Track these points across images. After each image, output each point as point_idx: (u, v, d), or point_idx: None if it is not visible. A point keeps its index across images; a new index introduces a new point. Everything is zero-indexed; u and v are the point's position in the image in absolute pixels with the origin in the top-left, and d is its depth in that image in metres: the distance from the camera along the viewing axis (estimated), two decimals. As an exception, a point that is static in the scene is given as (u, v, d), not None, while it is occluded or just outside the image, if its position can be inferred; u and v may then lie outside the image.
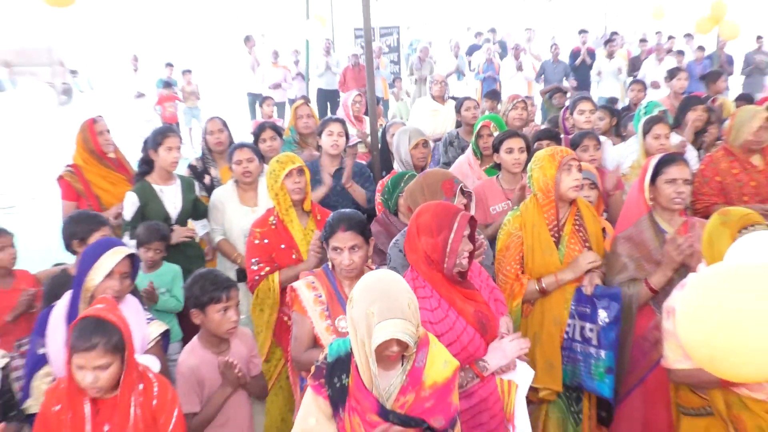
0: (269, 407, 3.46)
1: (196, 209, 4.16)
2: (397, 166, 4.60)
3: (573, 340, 3.06)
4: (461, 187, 2.97)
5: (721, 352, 1.59)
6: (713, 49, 11.39)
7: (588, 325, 3.02)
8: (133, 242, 3.70)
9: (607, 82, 11.13)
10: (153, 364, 2.47)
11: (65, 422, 2.15)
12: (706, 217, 2.80)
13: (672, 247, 2.83)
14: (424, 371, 2.06)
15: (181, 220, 4.04)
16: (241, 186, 4.05)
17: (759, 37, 12.01)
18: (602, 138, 4.72)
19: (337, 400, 2.06)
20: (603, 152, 4.46)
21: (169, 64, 12.20)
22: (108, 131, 4.35)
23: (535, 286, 3.06)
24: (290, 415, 3.38)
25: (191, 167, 4.71)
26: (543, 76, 11.45)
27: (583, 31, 12.35)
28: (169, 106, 11.13)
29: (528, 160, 3.43)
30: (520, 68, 11.49)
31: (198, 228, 4.25)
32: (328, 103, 12.10)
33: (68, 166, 4.30)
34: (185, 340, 3.44)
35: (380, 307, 1.92)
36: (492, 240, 3.35)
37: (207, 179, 4.61)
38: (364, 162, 4.87)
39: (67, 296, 2.61)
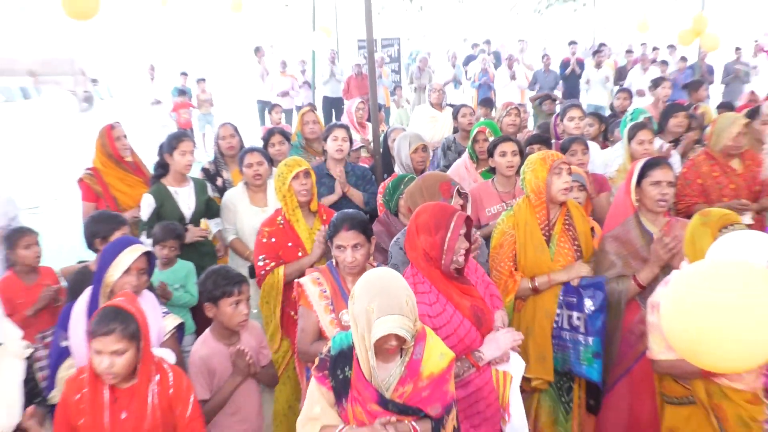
0: (277, 396, 3.46)
1: (209, 209, 4.16)
2: (397, 169, 4.60)
3: (562, 329, 3.07)
4: (458, 189, 2.98)
5: (702, 344, 1.59)
6: (695, 60, 11.38)
7: (575, 314, 3.02)
8: (150, 241, 3.70)
9: (595, 91, 11.14)
10: (168, 355, 2.47)
11: (85, 410, 2.15)
12: (688, 217, 2.80)
13: (660, 246, 2.83)
14: (422, 363, 2.06)
15: (195, 220, 4.04)
16: (251, 188, 4.05)
17: (737, 48, 12.01)
18: (590, 143, 4.72)
19: (341, 390, 2.06)
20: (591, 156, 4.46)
21: (184, 74, 12.20)
22: (125, 136, 4.35)
23: (528, 284, 3.06)
24: (297, 403, 3.38)
25: (204, 170, 4.71)
26: (536, 84, 11.45)
27: (572, 43, 12.36)
28: (184, 112, 11.14)
29: (521, 164, 3.43)
30: (513, 77, 11.49)
31: (211, 226, 4.25)
32: (333, 110, 12.10)
33: (88, 169, 4.30)
34: (198, 333, 3.44)
35: (379, 303, 1.93)
36: (486, 238, 3.35)
37: (219, 181, 4.62)
38: (366, 165, 4.87)
39: (88, 291, 2.61)
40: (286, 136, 4.85)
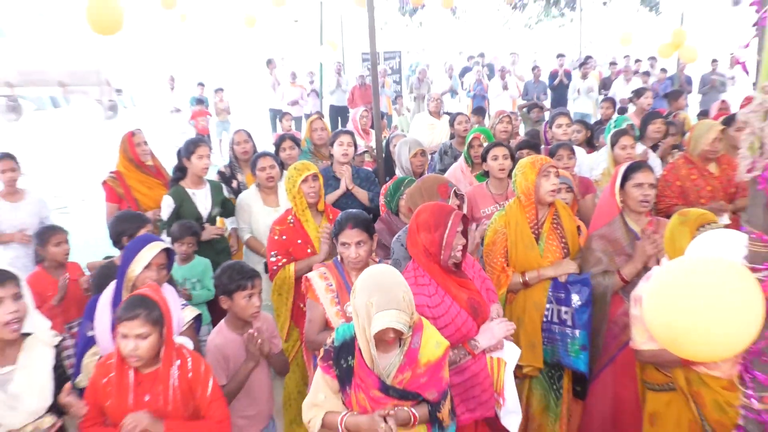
0: (287, 382, 3.45)
1: (224, 208, 4.16)
2: (398, 172, 4.59)
3: (551, 323, 3.05)
4: (455, 191, 2.97)
5: (682, 334, 1.58)
6: (674, 71, 11.37)
7: (563, 309, 3.01)
8: (170, 239, 3.70)
9: (581, 100, 11.12)
10: (187, 344, 2.46)
11: (111, 392, 2.17)
12: (668, 217, 2.79)
13: (647, 242, 2.83)
14: (419, 351, 2.06)
15: (211, 219, 4.04)
16: (263, 189, 4.04)
17: (714, 60, 11.98)
18: (577, 148, 4.71)
19: (344, 378, 2.06)
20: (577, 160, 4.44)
21: (201, 84, 12.20)
22: (145, 143, 4.34)
23: (519, 279, 3.05)
24: (305, 388, 3.38)
25: (220, 173, 4.71)
26: (527, 95, 11.44)
27: (560, 55, 12.33)
28: (201, 120, 11.15)
29: (513, 168, 3.42)
30: (505, 87, 11.46)
31: (227, 223, 4.26)
32: (339, 118, 12.09)
33: (111, 172, 4.31)
34: (213, 324, 3.44)
35: (378, 298, 1.93)
36: (480, 237, 3.34)
37: (234, 183, 4.62)
38: (370, 169, 4.87)
39: (112, 285, 2.61)
40: (296, 141, 4.84)
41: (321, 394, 2.11)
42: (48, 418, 2.18)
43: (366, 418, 2.01)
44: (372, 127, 5.70)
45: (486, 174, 4.02)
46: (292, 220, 3.42)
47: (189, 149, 3.95)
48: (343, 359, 2.07)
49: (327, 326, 2.71)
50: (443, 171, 5.01)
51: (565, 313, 3.00)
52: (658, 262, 2.80)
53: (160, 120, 12.03)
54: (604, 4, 14.98)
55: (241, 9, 12.96)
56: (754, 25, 1.59)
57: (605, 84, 12.08)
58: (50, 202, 4.54)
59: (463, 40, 22.22)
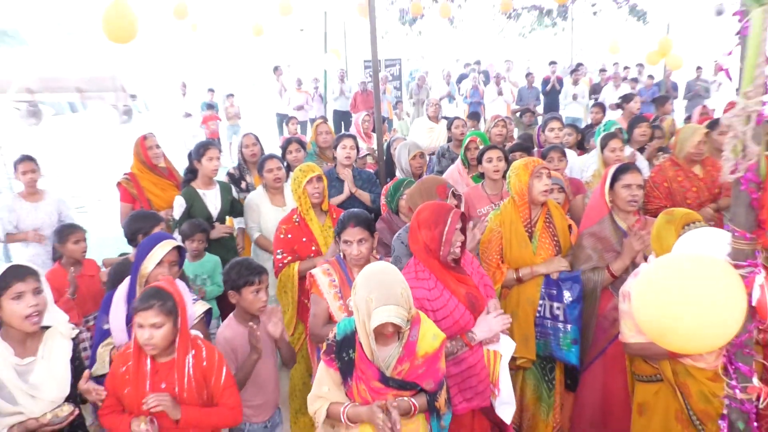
0: (292, 373, 3.45)
1: (233, 208, 4.16)
2: (398, 174, 4.59)
3: (544, 318, 3.04)
4: (452, 191, 2.96)
5: (669, 328, 1.58)
6: (661, 78, 11.35)
7: (555, 304, 3.00)
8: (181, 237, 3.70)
9: (573, 105, 11.10)
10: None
11: (129, 380, 2.17)
12: (655, 216, 2.78)
13: (636, 239, 2.82)
14: (417, 344, 2.06)
15: (221, 219, 4.04)
16: (270, 190, 4.04)
17: (698, 68, 11.97)
18: (568, 151, 4.70)
19: (346, 371, 2.07)
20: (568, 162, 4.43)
21: (211, 90, 12.21)
22: (157, 146, 4.34)
23: (513, 275, 3.04)
24: (310, 379, 3.37)
25: (230, 174, 4.70)
26: (521, 100, 11.44)
27: (553, 63, 12.32)
28: (212, 124, 11.15)
29: (507, 169, 3.42)
30: (500, 93, 11.46)
31: (235, 223, 4.26)
32: (342, 122, 12.09)
33: (126, 174, 4.31)
34: (222, 318, 3.44)
35: (377, 294, 1.93)
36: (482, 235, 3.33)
37: (243, 184, 4.61)
38: (372, 170, 4.86)
39: (127, 281, 2.61)
40: (302, 144, 4.84)
41: (325, 386, 2.12)
42: (66, 407, 2.19)
43: (366, 409, 2.02)
44: (374, 130, 5.69)
45: (482, 175, 4.01)
46: (297, 219, 3.42)
47: (200, 152, 3.94)
48: (344, 352, 2.07)
49: (330, 320, 2.70)
50: (441, 172, 5.00)
51: (557, 308, 3.00)
52: (645, 259, 2.79)
53: (172, 124, 12.04)
54: (595, 14, 14.95)
55: (249, 18, 12.95)
56: (736, 34, 1.59)
57: (595, 90, 12.07)
58: (69, 202, 4.53)
59: (460, 48, 22.22)
